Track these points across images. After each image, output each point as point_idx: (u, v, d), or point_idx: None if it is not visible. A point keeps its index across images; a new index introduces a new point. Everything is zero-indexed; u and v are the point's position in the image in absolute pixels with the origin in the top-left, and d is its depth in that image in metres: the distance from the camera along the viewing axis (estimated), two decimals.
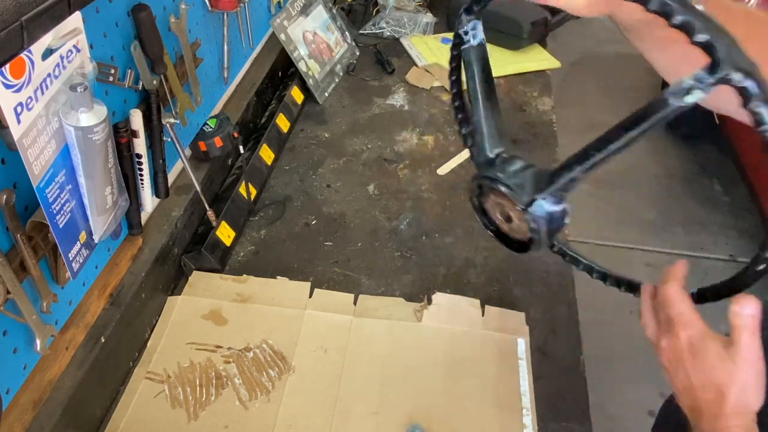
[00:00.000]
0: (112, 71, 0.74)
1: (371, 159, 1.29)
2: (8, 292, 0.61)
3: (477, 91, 0.61)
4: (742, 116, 0.49)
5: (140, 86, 0.81)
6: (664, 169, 3.01)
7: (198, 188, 0.99)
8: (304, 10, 1.47)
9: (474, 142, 0.63)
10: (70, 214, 0.67)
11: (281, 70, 1.46)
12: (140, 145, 0.81)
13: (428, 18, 1.79)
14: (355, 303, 0.97)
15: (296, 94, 1.42)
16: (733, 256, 2.56)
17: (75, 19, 0.60)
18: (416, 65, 1.62)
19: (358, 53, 1.64)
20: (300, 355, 0.89)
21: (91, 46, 0.70)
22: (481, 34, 0.61)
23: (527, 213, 0.57)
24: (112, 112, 0.78)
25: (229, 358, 0.88)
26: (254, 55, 1.37)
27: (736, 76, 0.42)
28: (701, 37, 0.42)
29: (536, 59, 1.67)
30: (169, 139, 0.89)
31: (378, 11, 1.82)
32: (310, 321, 0.93)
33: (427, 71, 1.58)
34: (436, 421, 0.81)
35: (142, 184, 0.84)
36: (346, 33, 1.62)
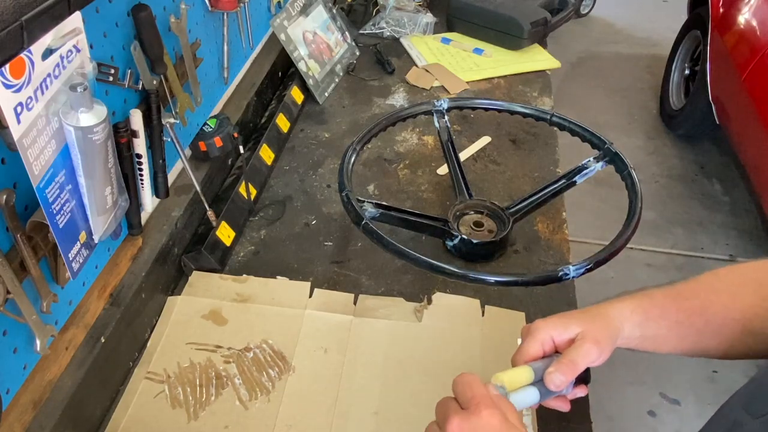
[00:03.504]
0: (112, 71, 0.74)
1: (371, 159, 1.29)
2: (8, 292, 0.61)
3: None
4: None
5: (140, 86, 0.81)
6: (664, 169, 3.02)
7: (198, 188, 0.99)
8: (304, 10, 1.47)
9: None
10: (70, 214, 0.67)
11: (281, 70, 1.46)
12: (140, 145, 0.81)
13: (428, 18, 1.79)
14: (355, 303, 0.97)
15: (296, 94, 1.42)
16: (733, 256, 2.56)
17: (75, 19, 0.60)
18: (416, 65, 1.62)
19: (358, 53, 1.64)
20: (300, 355, 0.89)
21: (91, 46, 0.70)
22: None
23: None
24: (112, 112, 0.78)
25: (229, 358, 0.88)
26: (254, 55, 1.37)
27: None
28: None
29: (536, 59, 1.67)
30: (169, 139, 0.89)
31: (378, 11, 1.81)
32: (310, 321, 0.93)
33: (427, 71, 1.58)
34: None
35: (142, 184, 0.84)
36: (346, 33, 1.62)
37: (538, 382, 0.62)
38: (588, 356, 0.61)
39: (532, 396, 0.61)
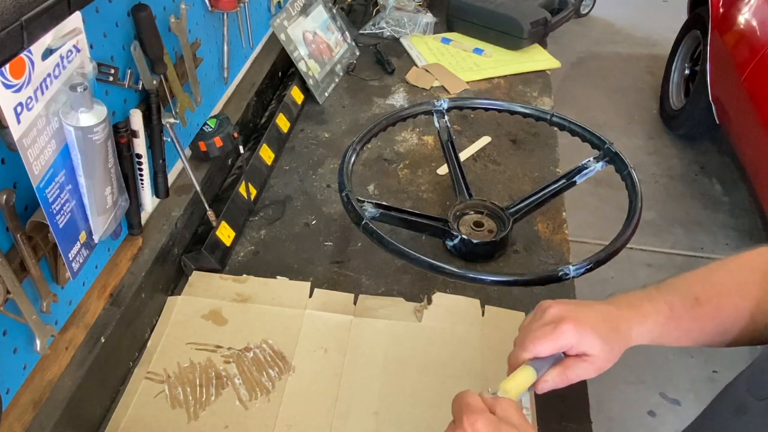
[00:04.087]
0: (112, 71, 0.74)
1: (371, 159, 1.29)
2: (8, 292, 0.61)
3: None
4: None
5: (140, 86, 0.81)
6: (664, 169, 3.02)
7: (198, 188, 0.99)
8: (304, 10, 1.47)
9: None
10: (70, 214, 0.67)
11: (281, 70, 1.46)
12: (140, 145, 0.81)
13: (428, 18, 1.79)
14: (355, 303, 0.97)
15: (296, 94, 1.42)
16: None
17: (75, 19, 0.60)
18: (416, 65, 1.62)
19: (358, 53, 1.64)
20: (300, 355, 0.89)
21: (91, 46, 0.70)
22: None
23: None
24: (112, 112, 0.78)
25: (229, 358, 0.88)
26: (254, 55, 1.37)
27: None
28: None
29: (536, 59, 1.67)
30: (169, 139, 0.89)
31: (378, 11, 1.81)
32: (310, 321, 0.93)
33: (427, 71, 1.58)
34: (437, 421, 0.81)
35: (142, 184, 0.84)
36: (346, 33, 1.62)
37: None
38: (586, 377, 0.62)
39: (528, 393, 0.62)
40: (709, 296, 0.65)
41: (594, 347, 0.61)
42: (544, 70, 1.63)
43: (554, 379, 0.61)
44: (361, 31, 1.77)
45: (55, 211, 0.64)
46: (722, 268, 0.67)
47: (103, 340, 0.79)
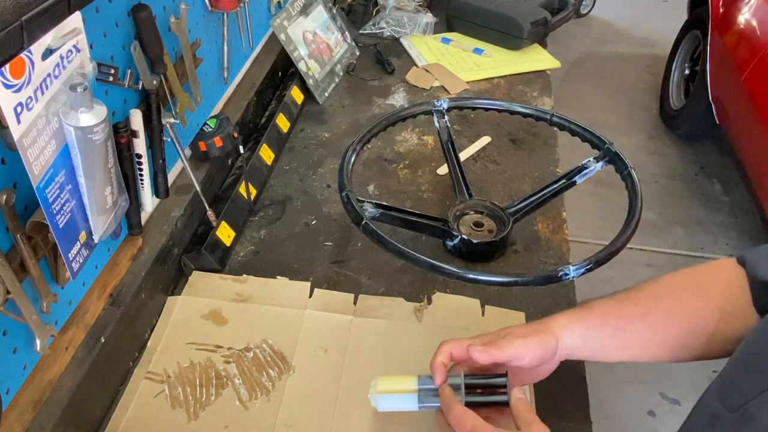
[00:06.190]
0: (112, 71, 0.74)
1: (371, 159, 1.29)
2: (8, 292, 0.61)
3: None
4: None
5: (140, 86, 0.81)
6: (664, 169, 3.02)
7: (198, 188, 0.99)
8: (304, 10, 1.47)
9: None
10: (70, 214, 0.67)
11: (281, 70, 1.46)
12: (140, 145, 0.81)
13: (428, 18, 1.79)
14: (355, 303, 0.97)
15: (296, 94, 1.42)
16: (733, 257, 2.56)
17: (75, 19, 0.60)
18: (416, 65, 1.62)
19: (358, 53, 1.65)
20: (300, 355, 0.89)
21: (91, 46, 0.70)
22: None
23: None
24: (112, 112, 0.78)
25: (229, 358, 0.88)
26: (254, 55, 1.37)
27: None
28: None
29: (536, 59, 1.67)
30: (169, 139, 0.89)
31: (378, 11, 1.82)
32: (310, 321, 0.93)
33: (427, 71, 1.58)
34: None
35: (142, 184, 0.84)
36: (346, 33, 1.62)
37: (422, 390, 0.66)
38: (513, 347, 0.63)
39: (406, 401, 0.66)
40: (633, 300, 0.66)
41: (501, 332, 0.65)
42: (544, 70, 1.63)
43: (484, 347, 0.63)
44: (361, 31, 1.77)
45: (55, 211, 0.64)
46: (651, 282, 0.68)
47: (103, 340, 0.79)
